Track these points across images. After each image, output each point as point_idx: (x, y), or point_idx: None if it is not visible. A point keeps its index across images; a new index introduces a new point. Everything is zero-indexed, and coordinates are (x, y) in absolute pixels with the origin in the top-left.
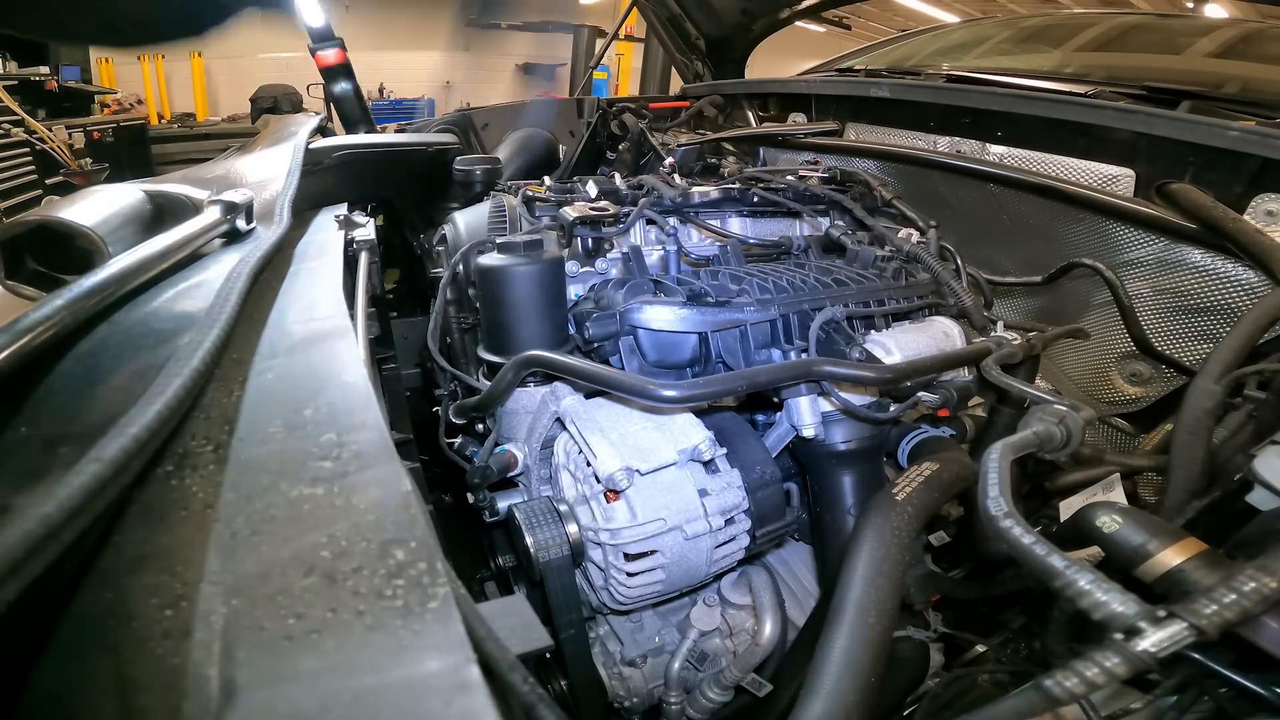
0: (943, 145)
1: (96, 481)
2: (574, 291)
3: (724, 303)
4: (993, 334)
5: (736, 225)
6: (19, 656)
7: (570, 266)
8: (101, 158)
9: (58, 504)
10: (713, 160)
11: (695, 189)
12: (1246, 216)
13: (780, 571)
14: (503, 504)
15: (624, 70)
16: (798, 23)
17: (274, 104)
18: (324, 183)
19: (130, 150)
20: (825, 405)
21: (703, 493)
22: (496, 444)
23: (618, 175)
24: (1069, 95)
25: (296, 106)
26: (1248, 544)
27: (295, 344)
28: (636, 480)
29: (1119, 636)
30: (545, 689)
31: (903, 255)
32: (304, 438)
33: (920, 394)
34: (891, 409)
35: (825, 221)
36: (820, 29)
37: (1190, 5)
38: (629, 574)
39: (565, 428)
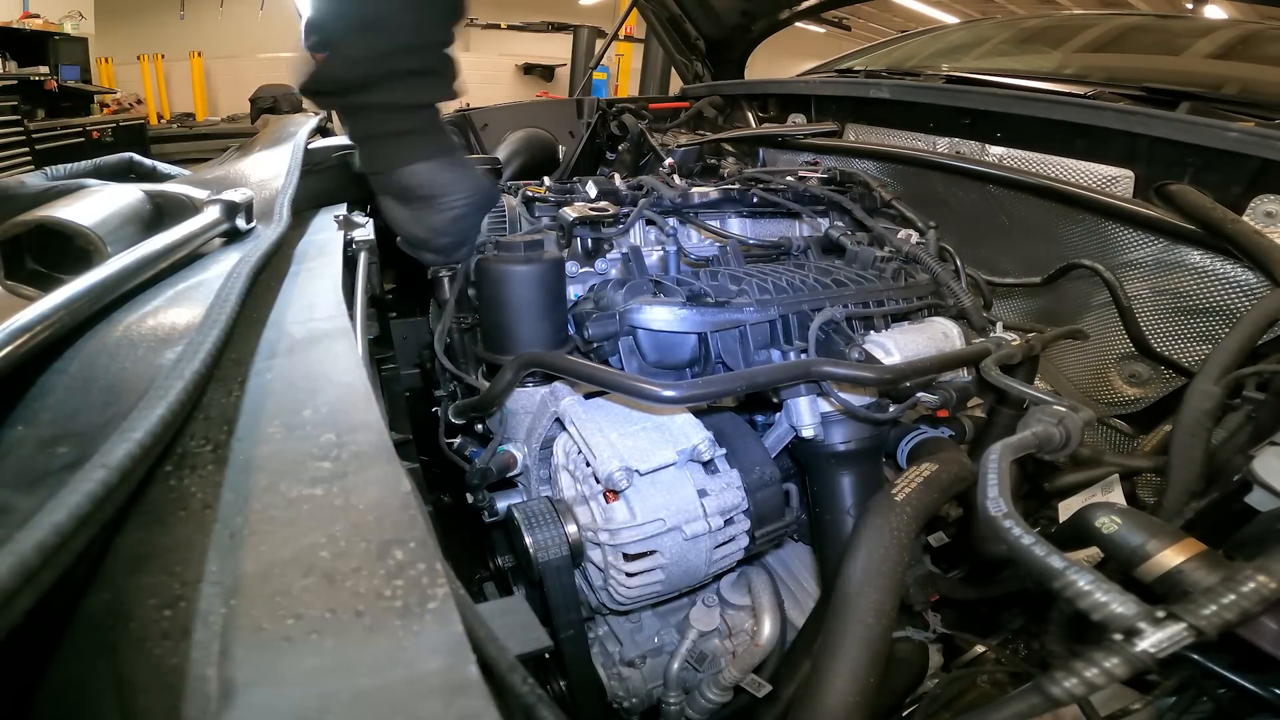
0: (942, 146)
1: (104, 488)
2: (573, 292)
3: (723, 303)
4: (992, 335)
5: (736, 226)
6: (30, 663)
7: (570, 267)
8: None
9: (68, 512)
10: (712, 161)
11: (695, 189)
12: (1245, 217)
13: (779, 572)
14: (502, 504)
15: (624, 71)
16: (798, 24)
17: (273, 104)
18: (323, 183)
19: (129, 150)
20: (825, 406)
21: (702, 493)
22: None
23: (617, 176)
24: (1068, 96)
25: (296, 107)
26: (1247, 545)
27: (294, 344)
28: (636, 480)
29: (1118, 637)
30: (544, 689)
31: (902, 256)
32: (303, 438)
33: (919, 395)
34: (891, 410)
35: (825, 222)
36: (820, 30)
37: (1189, 6)
38: (628, 574)
39: (564, 428)
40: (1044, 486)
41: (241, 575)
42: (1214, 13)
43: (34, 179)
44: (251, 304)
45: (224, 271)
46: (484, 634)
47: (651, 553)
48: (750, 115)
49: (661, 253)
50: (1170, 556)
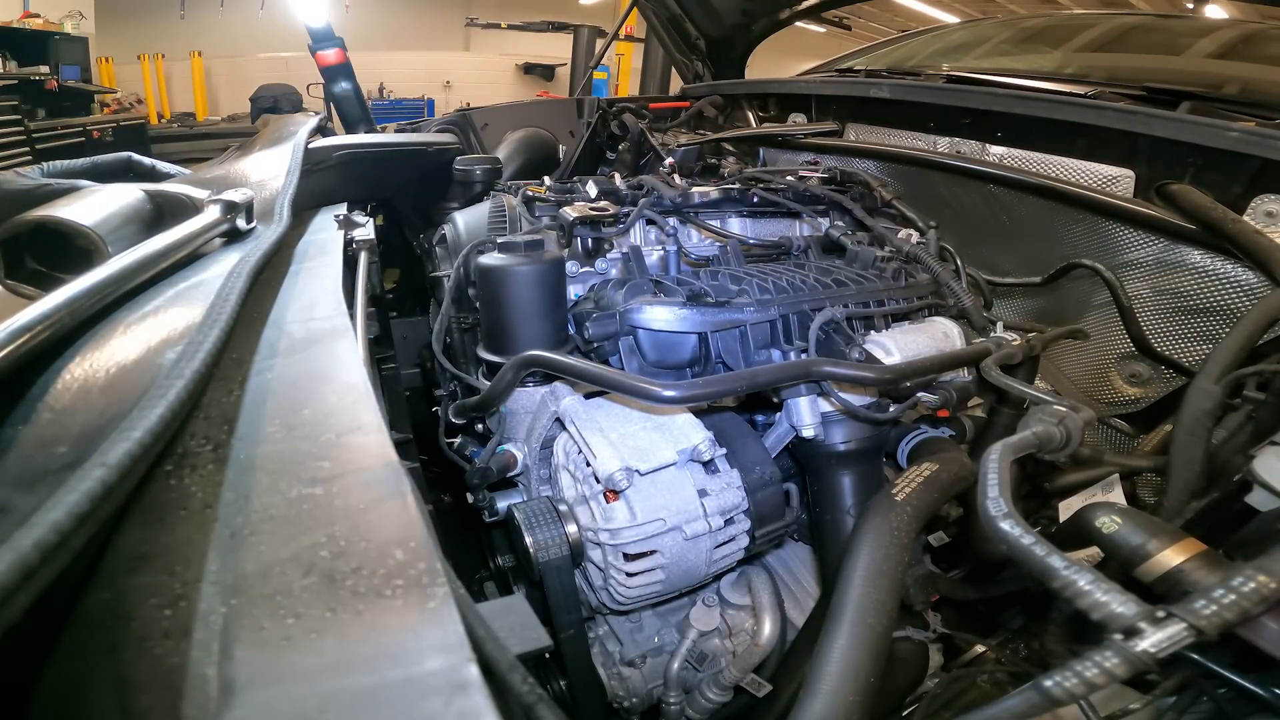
0: (943, 146)
1: (103, 487)
2: (574, 291)
3: (724, 303)
4: (992, 334)
5: (736, 225)
6: (28, 661)
7: (570, 266)
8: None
9: (66, 510)
10: (713, 160)
11: (695, 189)
12: (1246, 217)
13: (779, 572)
14: (502, 504)
15: (624, 70)
16: (798, 23)
17: (274, 104)
18: (324, 182)
19: (130, 150)
20: (825, 405)
21: (702, 493)
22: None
23: (617, 175)
24: (1069, 96)
25: (296, 106)
26: (1247, 544)
27: (295, 344)
28: (636, 480)
29: (1118, 637)
30: (544, 689)
31: (902, 256)
32: (303, 437)
33: (920, 394)
34: (891, 409)
35: (825, 222)
36: (820, 29)
37: (1190, 6)
38: (628, 574)
39: (565, 428)
40: (1044, 486)
41: (242, 575)
42: (1214, 12)
43: (30, 173)
44: (252, 304)
45: (224, 271)
46: (484, 633)
47: (651, 553)
48: (750, 115)
49: (662, 252)
50: (1170, 556)
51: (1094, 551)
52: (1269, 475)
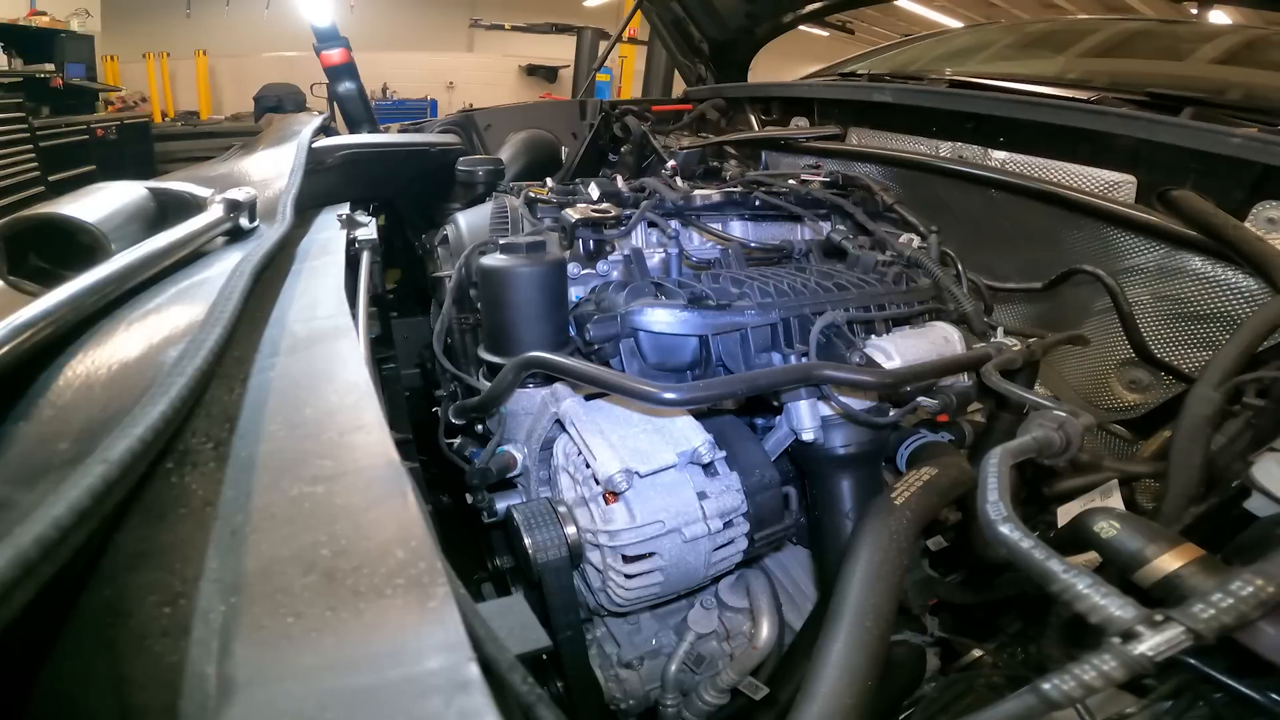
0: (945, 150)
1: (104, 483)
2: (575, 293)
3: (725, 306)
4: (993, 339)
5: (738, 228)
6: (27, 657)
7: (572, 268)
8: (105, 155)
9: (67, 506)
10: (715, 163)
11: (697, 192)
12: (1247, 223)
13: (778, 575)
14: (501, 505)
15: (627, 73)
16: (801, 27)
17: (277, 103)
18: (326, 182)
19: (133, 148)
20: (825, 409)
21: (702, 495)
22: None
23: (620, 177)
24: (1071, 101)
25: (300, 106)
26: (1245, 550)
27: (297, 342)
28: (636, 482)
29: (1116, 640)
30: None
31: (904, 260)
32: (305, 436)
33: (920, 399)
34: (891, 414)
35: (826, 226)
36: (824, 33)
37: (1194, 12)
38: (627, 576)
39: (565, 429)
40: (1043, 491)
41: (242, 573)
42: (1218, 18)
43: None
44: (254, 302)
45: (227, 269)
46: (484, 633)
47: (650, 555)
48: (753, 118)
49: (663, 255)
50: (1168, 561)
51: (1092, 556)
52: (1267, 481)
